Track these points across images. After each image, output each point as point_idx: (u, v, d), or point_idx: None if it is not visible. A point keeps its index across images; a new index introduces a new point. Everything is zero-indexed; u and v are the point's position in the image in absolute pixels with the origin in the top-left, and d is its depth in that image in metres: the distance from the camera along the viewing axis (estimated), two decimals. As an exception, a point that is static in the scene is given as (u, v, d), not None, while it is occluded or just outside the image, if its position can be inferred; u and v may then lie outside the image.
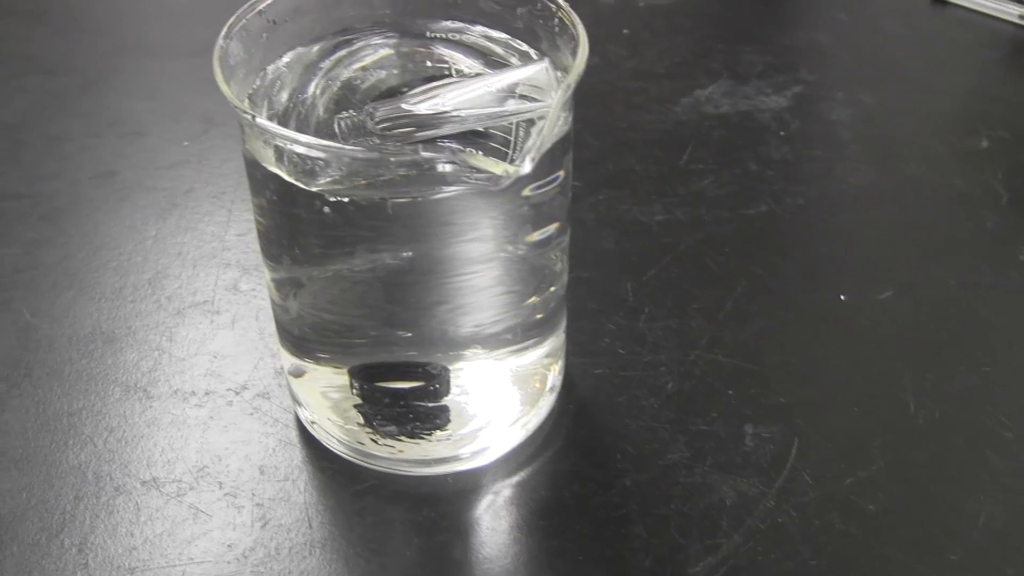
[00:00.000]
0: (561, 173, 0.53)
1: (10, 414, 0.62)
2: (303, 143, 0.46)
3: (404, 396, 0.56)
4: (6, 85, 0.93)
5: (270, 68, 0.55)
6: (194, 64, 0.94)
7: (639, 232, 0.74)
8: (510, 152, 0.50)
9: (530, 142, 0.46)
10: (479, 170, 0.45)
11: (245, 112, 0.46)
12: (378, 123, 0.50)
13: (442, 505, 0.57)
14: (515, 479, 0.58)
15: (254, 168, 0.51)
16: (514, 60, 0.56)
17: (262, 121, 0.46)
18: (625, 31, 0.98)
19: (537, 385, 0.60)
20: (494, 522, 0.56)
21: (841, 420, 0.61)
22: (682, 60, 0.94)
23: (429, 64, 0.56)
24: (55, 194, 0.79)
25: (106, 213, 0.78)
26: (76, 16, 1.06)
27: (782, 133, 0.84)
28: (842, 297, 0.69)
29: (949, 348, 0.66)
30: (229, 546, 0.55)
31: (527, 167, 0.44)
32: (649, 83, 0.91)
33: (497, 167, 0.44)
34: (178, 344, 0.67)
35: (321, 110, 0.53)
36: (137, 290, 0.71)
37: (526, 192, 0.51)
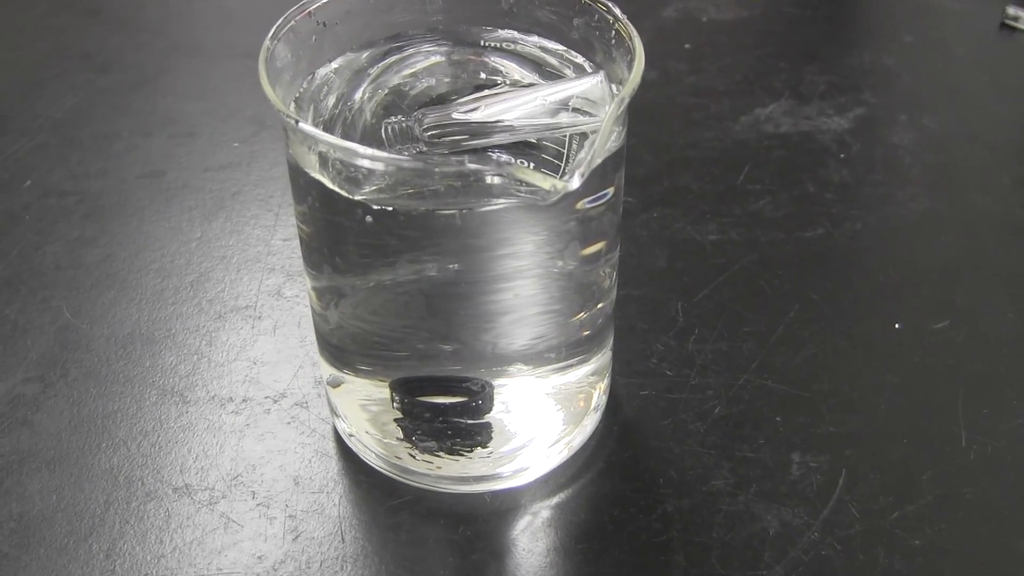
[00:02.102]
0: (611, 189, 0.52)
1: (44, 414, 0.62)
2: (346, 149, 0.45)
3: (445, 411, 0.55)
4: (59, 81, 0.93)
5: (319, 72, 0.54)
6: (247, 65, 0.94)
7: (692, 251, 0.73)
8: (562, 165, 0.49)
9: (580, 157, 0.44)
10: (527, 184, 0.43)
11: (288, 116, 0.45)
12: (426, 130, 0.49)
13: (479, 524, 0.56)
14: (554, 500, 0.57)
15: (297, 174, 0.50)
16: (569, 72, 0.55)
17: (305, 126, 0.45)
18: (687, 46, 0.97)
19: (581, 404, 0.59)
20: (531, 544, 0.55)
21: (891, 452, 0.60)
22: (743, 77, 0.93)
23: (482, 73, 0.55)
24: (101, 193, 0.79)
25: (152, 213, 0.77)
26: (131, 15, 1.06)
27: (842, 155, 0.83)
28: (897, 325, 0.67)
29: (1004, 382, 0.64)
30: (259, 558, 0.54)
31: (576, 182, 0.43)
32: (709, 100, 0.89)
33: (545, 182, 0.42)
34: (217, 349, 0.66)
35: (368, 116, 0.52)
36: (179, 292, 0.70)
37: (575, 207, 0.50)
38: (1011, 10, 1.01)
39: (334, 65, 0.55)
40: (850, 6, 1.10)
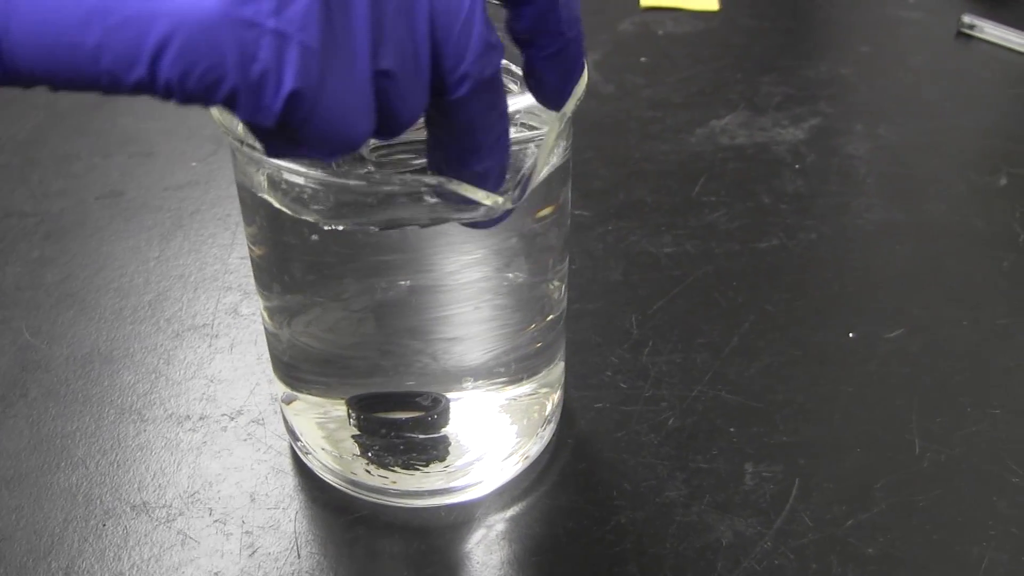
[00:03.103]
0: (557, 203, 0.52)
1: (3, 433, 0.62)
2: (290, 170, 0.45)
3: (401, 427, 0.55)
4: (19, 102, 0.93)
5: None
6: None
7: (647, 264, 0.73)
8: (509, 180, 0.50)
9: (522, 172, 0.45)
10: (469, 200, 0.44)
11: (235, 138, 0.46)
12: (373, 150, 0.49)
13: (433, 538, 0.56)
14: (509, 513, 0.58)
15: (246, 194, 0.51)
16: (514, 87, 0.55)
17: (251, 148, 0.45)
18: (643, 59, 0.97)
19: (534, 416, 0.59)
20: (485, 557, 0.55)
21: (844, 461, 0.60)
22: (700, 90, 0.94)
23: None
24: (61, 213, 0.79)
25: (111, 233, 0.77)
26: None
27: (797, 166, 0.83)
28: (851, 335, 0.68)
29: (958, 390, 0.65)
30: (216, 574, 0.54)
31: (517, 197, 0.43)
32: (665, 112, 0.90)
33: (488, 198, 0.43)
34: (175, 367, 0.66)
35: (316, 135, 0.52)
36: (137, 312, 0.70)
37: (521, 222, 0.50)
38: (967, 18, 1.02)
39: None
40: (807, 18, 1.10)
